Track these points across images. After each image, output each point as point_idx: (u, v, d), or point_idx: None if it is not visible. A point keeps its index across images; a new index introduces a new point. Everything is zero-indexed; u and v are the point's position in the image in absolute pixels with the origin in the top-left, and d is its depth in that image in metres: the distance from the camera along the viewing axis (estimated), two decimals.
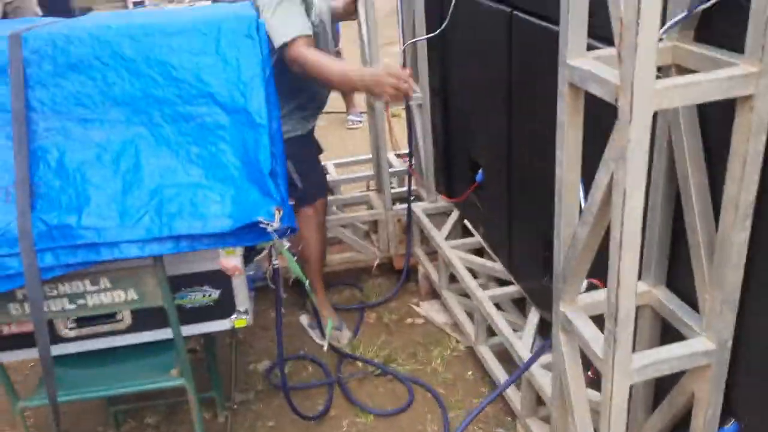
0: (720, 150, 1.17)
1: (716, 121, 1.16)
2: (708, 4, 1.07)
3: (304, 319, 2.87)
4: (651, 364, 1.24)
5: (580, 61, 1.13)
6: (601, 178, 1.12)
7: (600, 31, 1.22)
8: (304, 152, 2.57)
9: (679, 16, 1.09)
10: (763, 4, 0.95)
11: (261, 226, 1.55)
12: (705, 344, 1.26)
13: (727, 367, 1.27)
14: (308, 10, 2.27)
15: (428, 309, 2.89)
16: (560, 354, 1.44)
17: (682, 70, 1.16)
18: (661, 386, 1.50)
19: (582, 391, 1.45)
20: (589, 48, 1.19)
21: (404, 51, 2.76)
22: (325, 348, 2.67)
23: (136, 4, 9.09)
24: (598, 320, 1.38)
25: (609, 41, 1.35)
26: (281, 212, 1.58)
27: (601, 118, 1.22)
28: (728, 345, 1.25)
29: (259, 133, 1.61)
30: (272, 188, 1.58)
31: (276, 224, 1.55)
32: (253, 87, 1.63)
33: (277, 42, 2.18)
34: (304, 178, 2.53)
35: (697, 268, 1.25)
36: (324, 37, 2.44)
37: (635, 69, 0.93)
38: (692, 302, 1.35)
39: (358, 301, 3.02)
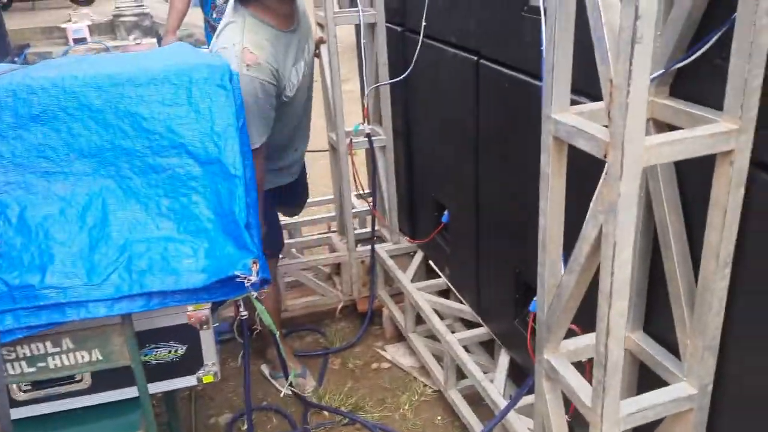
0: (695, 199, 1.22)
1: (691, 171, 1.21)
2: (684, 62, 1.12)
3: (266, 369, 2.80)
4: (638, 411, 1.25)
5: (564, 115, 1.16)
6: (589, 230, 1.14)
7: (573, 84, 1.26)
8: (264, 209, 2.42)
9: (657, 73, 1.14)
10: (740, 65, 1.00)
11: (238, 280, 1.51)
12: (687, 389, 1.28)
13: (708, 411, 1.30)
14: (283, 88, 2.18)
15: (394, 353, 2.86)
16: (544, 401, 1.45)
17: (659, 124, 1.21)
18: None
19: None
20: None
21: (368, 94, 2.78)
22: (282, 393, 2.59)
23: (77, 41, 8.89)
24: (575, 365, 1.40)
25: (582, 93, 1.41)
26: (258, 265, 1.54)
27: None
28: (709, 389, 1.28)
29: (234, 185, 1.57)
30: (248, 240, 1.54)
31: (254, 277, 1.51)
32: (227, 137, 1.60)
33: None
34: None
35: (677, 315, 1.28)
36: (302, 96, 2.35)
37: (626, 128, 0.96)
38: (669, 345, 1.38)
39: (322, 347, 2.96)
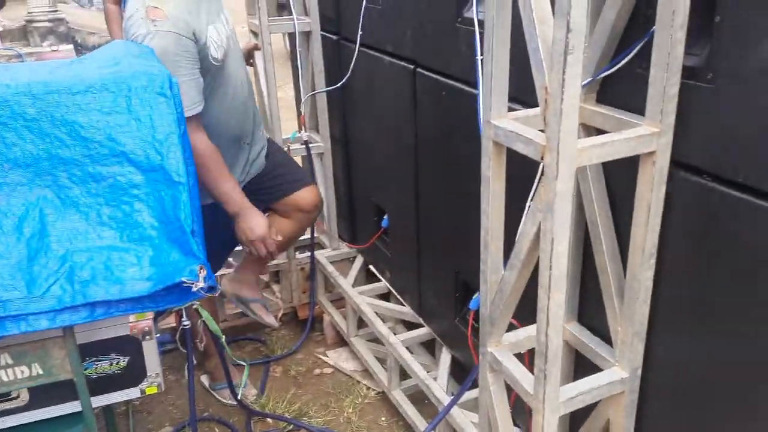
0: (622, 197, 1.32)
1: (617, 171, 1.31)
2: (609, 71, 1.22)
3: (206, 380, 2.76)
4: (576, 395, 1.34)
5: (502, 121, 1.23)
6: (528, 227, 1.22)
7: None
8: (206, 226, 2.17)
9: (585, 81, 1.24)
10: (660, 74, 1.10)
11: (185, 286, 1.50)
12: (619, 373, 1.39)
13: (638, 392, 1.41)
14: (205, 44, 2.04)
15: (336, 358, 2.89)
16: (488, 393, 1.52)
17: (587, 128, 1.31)
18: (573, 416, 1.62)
19: (510, 427, 1.53)
20: None
21: (305, 102, 2.80)
22: (239, 394, 2.54)
23: None
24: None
25: (515, 100, 1.50)
26: (205, 271, 1.54)
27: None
28: (638, 372, 1.38)
29: (179, 191, 1.56)
30: (194, 246, 1.54)
31: (201, 283, 1.51)
32: (169, 145, 1.59)
33: None
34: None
35: (608, 304, 1.38)
36: (238, 70, 2.22)
37: (560, 132, 1.04)
38: (601, 334, 1.49)
39: (263, 356, 2.95)
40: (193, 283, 1.52)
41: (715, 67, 1.10)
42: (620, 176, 1.30)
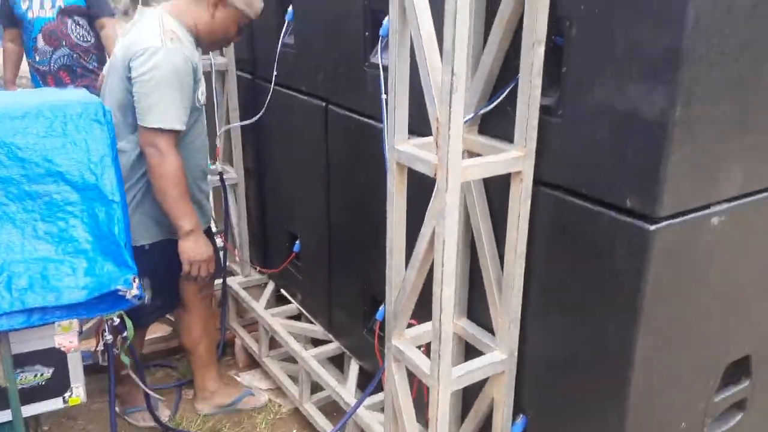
0: (499, 209, 1.63)
1: (495, 188, 1.62)
2: (486, 109, 1.54)
3: (117, 405, 2.79)
4: (465, 373, 1.61)
5: (404, 146, 1.51)
6: (425, 232, 1.49)
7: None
8: (164, 263, 2.35)
9: (468, 117, 1.55)
10: (524, 111, 1.43)
11: (120, 294, 1.65)
12: (499, 355, 1.67)
13: (515, 372, 1.70)
14: (198, 81, 2.25)
15: (249, 379, 3.01)
16: (393, 380, 1.75)
17: (471, 154, 1.62)
18: (465, 402, 1.89)
19: (410, 407, 1.77)
20: None
21: (220, 135, 2.99)
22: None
23: None
24: None
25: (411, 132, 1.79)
26: (138, 281, 1.69)
27: None
28: (515, 354, 1.67)
29: (113, 209, 1.72)
30: (128, 258, 1.69)
31: (135, 291, 1.66)
32: (103, 166, 1.75)
33: (148, 120, 2.10)
34: (157, 294, 2.38)
35: (490, 298, 1.67)
36: (204, 125, 2.44)
37: (449, 153, 1.33)
38: (486, 327, 1.77)
39: (175, 380, 3.03)
40: (127, 291, 1.67)
41: (563, 106, 1.44)
42: (497, 192, 1.61)
